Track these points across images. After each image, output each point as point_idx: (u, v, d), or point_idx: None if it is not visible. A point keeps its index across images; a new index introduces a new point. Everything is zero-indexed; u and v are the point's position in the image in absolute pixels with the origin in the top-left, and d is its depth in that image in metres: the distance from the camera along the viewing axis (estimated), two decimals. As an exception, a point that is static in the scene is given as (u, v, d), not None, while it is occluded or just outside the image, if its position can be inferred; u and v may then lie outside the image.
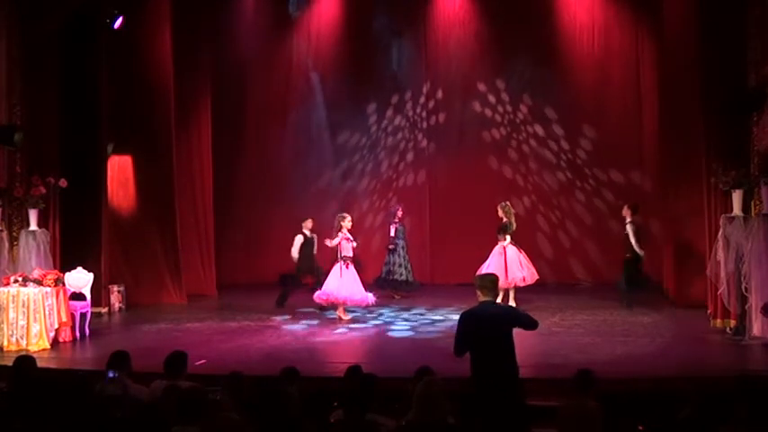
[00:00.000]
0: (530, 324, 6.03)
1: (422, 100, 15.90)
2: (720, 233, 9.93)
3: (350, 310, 11.68)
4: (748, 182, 9.88)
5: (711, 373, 7.75)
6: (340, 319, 11.43)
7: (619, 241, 12.35)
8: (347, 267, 11.44)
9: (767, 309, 9.12)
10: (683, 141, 11.83)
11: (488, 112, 15.66)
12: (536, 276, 12.11)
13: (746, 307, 9.57)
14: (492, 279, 6.13)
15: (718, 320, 10.21)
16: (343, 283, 11.39)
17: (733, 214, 9.90)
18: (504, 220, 12.10)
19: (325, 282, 11.53)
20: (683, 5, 11.88)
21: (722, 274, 9.88)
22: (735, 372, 7.72)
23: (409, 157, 16.02)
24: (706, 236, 10.68)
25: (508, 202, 12.48)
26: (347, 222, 11.65)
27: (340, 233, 11.50)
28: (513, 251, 12.01)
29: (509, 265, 11.81)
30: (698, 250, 11.17)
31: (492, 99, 15.64)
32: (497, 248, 12.06)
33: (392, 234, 13.67)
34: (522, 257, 12.09)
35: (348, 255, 11.51)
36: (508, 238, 12.06)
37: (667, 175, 12.85)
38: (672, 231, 12.51)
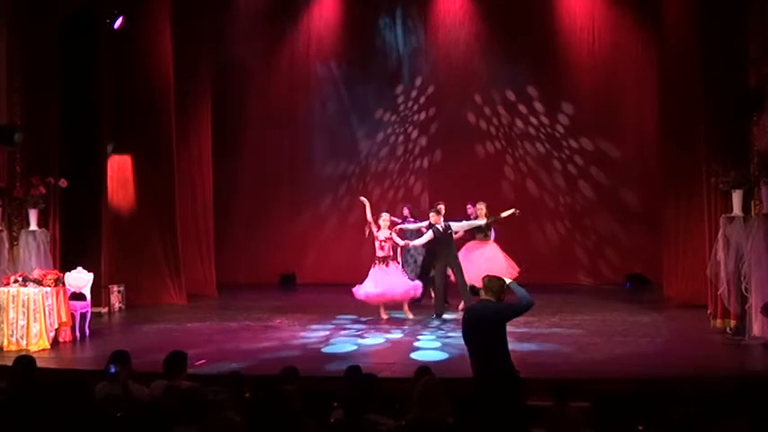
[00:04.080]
0: (520, 308, 5.96)
1: (420, 98, 15.93)
2: (720, 233, 9.91)
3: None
4: (748, 182, 9.86)
5: (711, 373, 7.76)
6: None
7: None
8: (387, 266, 11.36)
9: (767, 309, 9.12)
10: (683, 141, 11.83)
11: (488, 113, 15.65)
12: (515, 274, 12.08)
13: (746, 307, 9.55)
14: (500, 283, 6.09)
15: (718, 320, 10.17)
16: (392, 282, 11.28)
17: (733, 214, 9.88)
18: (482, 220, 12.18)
19: (372, 283, 11.30)
20: (683, 6, 11.88)
21: (722, 274, 9.86)
22: (735, 372, 7.75)
23: (411, 157, 16.03)
24: (706, 236, 10.66)
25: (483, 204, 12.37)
26: (383, 221, 11.43)
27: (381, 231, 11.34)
28: (494, 249, 12.11)
29: (488, 263, 11.78)
30: (698, 250, 11.16)
31: (493, 99, 15.64)
32: (476, 247, 12.20)
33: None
34: (501, 256, 12.16)
35: (384, 254, 11.38)
36: (486, 236, 12.18)
37: (667, 175, 12.84)
38: (672, 231, 12.52)
